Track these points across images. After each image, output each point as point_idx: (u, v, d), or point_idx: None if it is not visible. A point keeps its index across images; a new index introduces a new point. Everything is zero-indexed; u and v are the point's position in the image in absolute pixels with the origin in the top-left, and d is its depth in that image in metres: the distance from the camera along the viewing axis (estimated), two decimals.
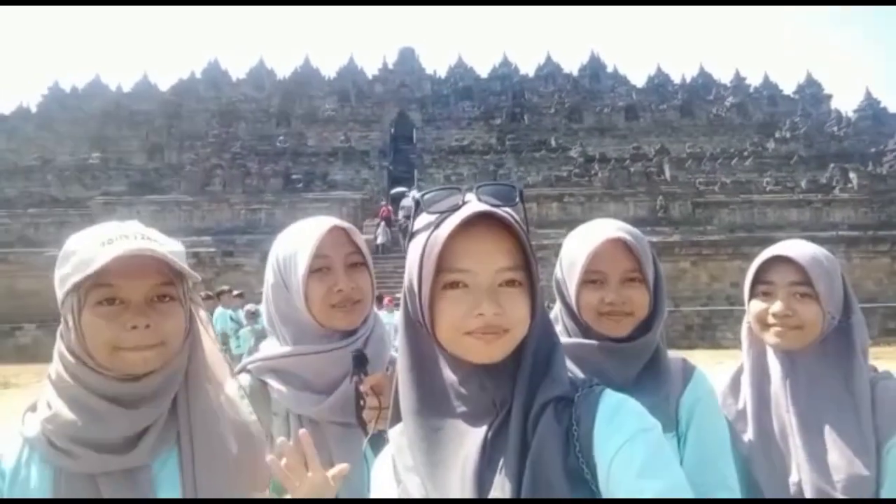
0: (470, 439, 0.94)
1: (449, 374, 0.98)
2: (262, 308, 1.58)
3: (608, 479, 0.89)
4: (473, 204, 0.96)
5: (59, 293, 1.16)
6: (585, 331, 1.44)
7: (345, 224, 1.51)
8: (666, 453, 0.91)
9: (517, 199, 0.99)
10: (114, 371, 1.13)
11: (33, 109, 37.79)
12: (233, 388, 1.30)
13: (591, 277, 1.41)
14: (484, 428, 0.95)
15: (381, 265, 18.64)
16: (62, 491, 1.10)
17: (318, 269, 1.45)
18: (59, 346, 1.17)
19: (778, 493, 1.47)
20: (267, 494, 1.23)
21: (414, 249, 0.99)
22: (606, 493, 0.89)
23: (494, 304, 0.93)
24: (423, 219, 0.99)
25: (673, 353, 1.50)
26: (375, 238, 22.36)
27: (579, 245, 1.43)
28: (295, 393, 1.44)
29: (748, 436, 1.56)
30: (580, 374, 1.29)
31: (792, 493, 1.46)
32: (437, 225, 0.96)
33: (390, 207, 24.45)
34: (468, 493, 0.90)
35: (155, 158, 29.19)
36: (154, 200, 23.47)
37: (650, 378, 1.39)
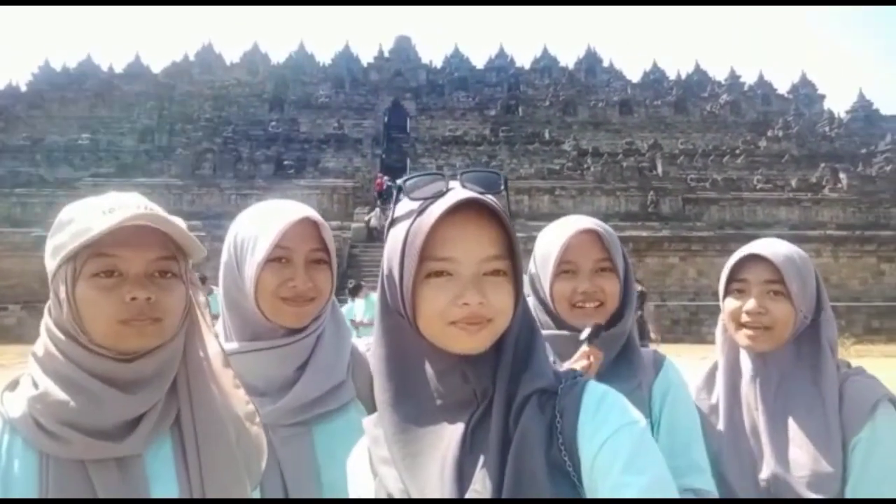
0: (449, 431, 0.92)
1: (429, 365, 0.96)
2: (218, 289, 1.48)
3: (592, 472, 0.87)
4: (458, 191, 0.93)
5: (51, 264, 1.08)
6: (559, 324, 1.49)
7: (317, 217, 1.39)
8: (650, 447, 0.90)
9: (502, 187, 0.97)
10: (108, 349, 1.05)
11: (23, 88, 37.39)
12: (228, 376, 1.21)
13: (565, 268, 1.47)
14: (464, 420, 0.92)
15: (378, 251, 18.61)
16: (50, 479, 1.00)
17: (277, 258, 1.34)
18: (48, 322, 1.08)
19: (746, 488, 1.48)
20: (258, 494, 1.19)
21: (395, 237, 0.95)
22: (590, 487, 0.87)
23: (479, 294, 0.90)
24: (405, 205, 0.96)
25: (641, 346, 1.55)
26: (368, 221, 22.28)
27: (552, 239, 1.49)
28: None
29: (719, 431, 1.58)
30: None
31: (761, 488, 1.47)
32: (421, 212, 0.93)
33: (384, 178, 24.23)
34: (448, 487, 0.88)
35: (146, 141, 28.90)
36: (144, 183, 23.23)
37: (624, 366, 1.44)
